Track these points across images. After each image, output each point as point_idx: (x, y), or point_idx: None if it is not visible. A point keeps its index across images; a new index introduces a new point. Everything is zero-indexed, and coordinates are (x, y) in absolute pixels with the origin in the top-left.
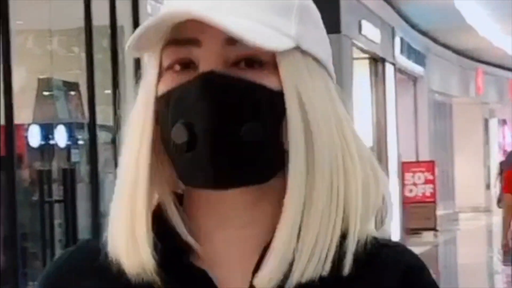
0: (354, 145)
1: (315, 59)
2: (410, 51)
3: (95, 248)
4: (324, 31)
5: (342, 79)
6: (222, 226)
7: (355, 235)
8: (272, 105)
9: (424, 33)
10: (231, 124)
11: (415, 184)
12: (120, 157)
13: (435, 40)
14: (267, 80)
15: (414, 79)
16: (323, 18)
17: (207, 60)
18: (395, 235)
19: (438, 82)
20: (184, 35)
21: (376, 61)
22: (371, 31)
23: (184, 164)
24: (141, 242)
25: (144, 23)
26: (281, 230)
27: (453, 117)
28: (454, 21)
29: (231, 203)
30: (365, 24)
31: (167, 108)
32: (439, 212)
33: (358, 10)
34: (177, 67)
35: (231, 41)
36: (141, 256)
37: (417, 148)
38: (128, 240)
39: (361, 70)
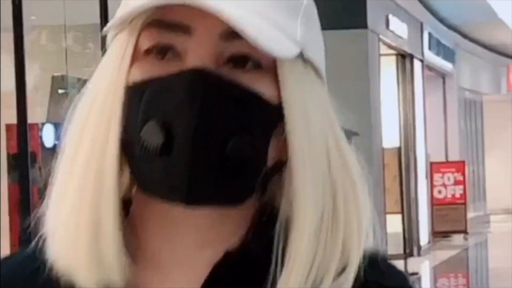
0: (353, 167)
1: (313, 68)
2: (439, 47)
3: (24, 261)
4: (321, 32)
5: (369, 76)
6: (175, 245)
7: (352, 272)
8: (266, 119)
9: (453, 28)
10: (218, 134)
11: (444, 185)
12: (70, 151)
13: (465, 36)
14: (264, 88)
15: (443, 76)
16: (349, 13)
17: (198, 53)
18: (424, 238)
19: (468, 79)
20: (172, 18)
21: (404, 58)
22: (398, 27)
23: (152, 171)
24: (111, 256)
25: (131, 4)
26: (296, 262)
27: (483, 116)
28: (485, 16)
29: (193, 221)
30: (393, 19)
31: (138, 101)
32: (470, 214)
33: (385, 4)
34: (157, 53)
35: (228, 35)
36: (109, 272)
37: (446, 147)
38: (93, 254)
39: (388, 67)
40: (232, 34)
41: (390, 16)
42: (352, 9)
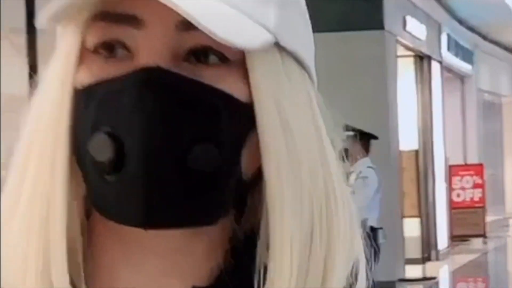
0: (337, 178)
1: (296, 59)
2: (457, 48)
3: None
4: (308, 18)
5: (386, 78)
6: (136, 272)
7: None
8: (235, 121)
9: (472, 29)
10: (176, 144)
11: (463, 189)
12: (18, 166)
13: (484, 37)
14: (232, 85)
15: (461, 77)
16: (366, 14)
17: (150, 49)
18: (442, 242)
19: (487, 80)
20: (120, 9)
21: (422, 59)
22: (416, 27)
23: (103, 191)
24: (59, 283)
25: None
26: None
27: (503, 118)
28: (504, 17)
29: (157, 245)
30: (410, 20)
31: (86, 107)
32: (489, 218)
33: (403, 5)
34: (106, 51)
35: (186, 25)
36: None
37: (465, 150)
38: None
39: (405, 69)
40: (190, 23)
41: (408, 17)
42: (368, 10)
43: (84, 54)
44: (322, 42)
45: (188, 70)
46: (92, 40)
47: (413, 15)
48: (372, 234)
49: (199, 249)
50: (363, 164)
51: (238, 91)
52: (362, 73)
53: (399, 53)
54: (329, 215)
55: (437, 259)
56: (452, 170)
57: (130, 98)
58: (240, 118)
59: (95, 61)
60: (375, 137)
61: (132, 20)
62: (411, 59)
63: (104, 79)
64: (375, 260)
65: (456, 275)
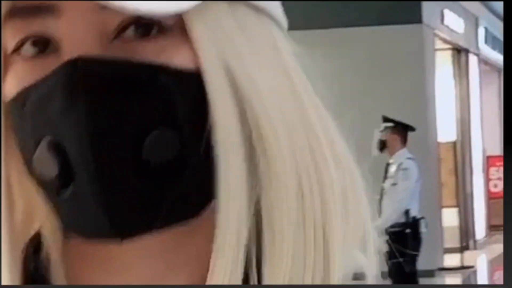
0: (325, 138)
1: (251, 6)
2: (494, 41)
3: None
4: None
5: (424, 71)
6: (120, 279)
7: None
8: (188, 95)
9: None
10: (124, 140)
11: (500, 179)
12: None
13: None
14: (177, 56)
15: (499, 70)
16: (404, 7)
17: (72, 37)
18: (480, 231)
19: None
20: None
21: (459, 52)
22: (454, 21)
23: (62, 207)
24: None
25: None
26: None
27: None
28: None
29: (136, 250)
30: (448, 14)
31: (22, 121)
32: None
33: None
34: (30, 50)
35: (103, 3)
36: None
37: (502, 141)
38: None
39: (443, 62)
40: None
41: (446, 11)
42: (407, 4)
43: (8, 60)
44: (361, 36)
45: (122, 50)
46: (12, 40)
47: (450, 9)
48: (414, 223)
49: (183, 248)
50: (403, 155)
51: (184, 60)
52: (401, 66)
53: (437, 47)
54: (320, 178)
55: (475, 248)
56: (489, 161)
57: (58, 100)
58: (193, 91)
59: (19, 64)
60: (413, 129)
61: (48, 10)
62: (449, 52)
63: (31, 84)
64: (418, 249)
65: (494, 264)
